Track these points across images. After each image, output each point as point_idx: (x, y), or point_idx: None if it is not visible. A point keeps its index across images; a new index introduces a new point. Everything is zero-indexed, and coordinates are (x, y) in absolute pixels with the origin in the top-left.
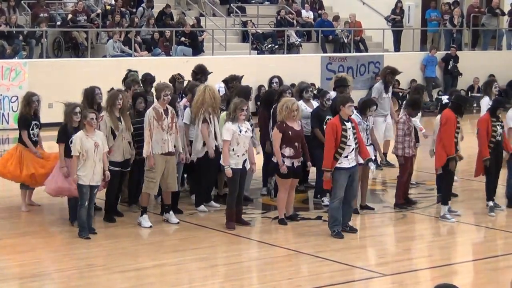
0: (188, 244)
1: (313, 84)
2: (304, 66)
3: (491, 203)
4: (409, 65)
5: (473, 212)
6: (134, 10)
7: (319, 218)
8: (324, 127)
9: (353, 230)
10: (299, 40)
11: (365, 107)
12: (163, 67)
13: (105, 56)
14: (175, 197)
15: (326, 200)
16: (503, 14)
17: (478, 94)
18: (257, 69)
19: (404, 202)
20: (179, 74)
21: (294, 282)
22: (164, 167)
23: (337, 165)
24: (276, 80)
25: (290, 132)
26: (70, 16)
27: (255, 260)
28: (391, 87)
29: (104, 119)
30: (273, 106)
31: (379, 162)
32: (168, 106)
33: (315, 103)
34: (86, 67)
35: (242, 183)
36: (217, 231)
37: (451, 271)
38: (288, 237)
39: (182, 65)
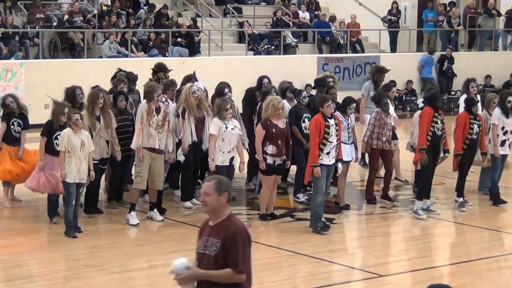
0: (184, 244)
1: (309, 85)
2: (301, 67)
3: (461, 199)
4: (405, 65)
5: (470, 213)
6: (131, 10)
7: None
8: (303, 124)
9: (326, 226)
10: (296, 40)
11: (344, 105)
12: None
13: (101, 57)
14: (159, 195)
15: (301, 197)
16: (499, 15)
17: None
18: (253, 70)
19: (373, 197)
20: (163, 73)
21: (291, 283)
22: (150, 163)
23: (319, 161)
24: (266, 80)
25: (273, 130)
26: (66, 17)
27: (252, 261)
28: (381, 85)
29: (84, 118)
30: (258, 105)
31: (358, 161)
32: (162, 105)
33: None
34: (83, 68)
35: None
36: None
37: (447, 272)
38: (284, 238)
39: (178, 66)
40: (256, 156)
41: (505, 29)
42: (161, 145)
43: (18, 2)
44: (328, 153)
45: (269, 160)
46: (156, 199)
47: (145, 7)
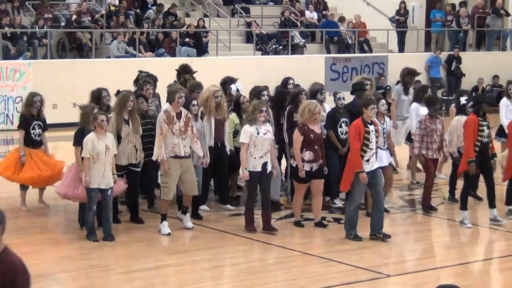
0: (191, 245)
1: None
2: (308, 66)
3: (510, 207)
4: (413, 65)
5: (476, 214)
6: (138, 11)
7: (323, 219)
8: (339, 129)
9: (386, 237)
10: (303, 40)
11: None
12: (167, 68)
13: (109, 57)
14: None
15: (338, 203)
16: (507, 14)
17: None
18: (261, 70)
19: (429, 205)
20: (190, 75)
21: (298, 283)
22: (179, 171)
23: (357, 170)
24: (292, 81)
25: (311, 135)
26: (74, 17)
27: (259, 261)
28: (411, 89)
29: (111, 120)
30: (287, 108)
31: (394, 166)
32: (183, 110)
33: (327, 106)
34: (90, 68)
35: (266, 186)
36: (219, 232)
37: (455, 272)
38: (292, 238)
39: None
40: (291, 162)
41: None
42: (186, 151)
43: (26, 2)
44: (367, 161)
45: (306, 166)
46: (189, 203)
47: (153, 7)
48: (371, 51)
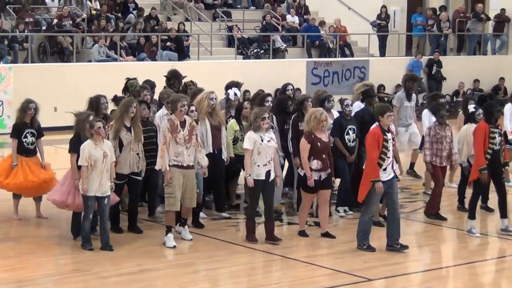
0: (173, 249)
1: (298, 89)
2: (290, 71)
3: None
4: (394, 70)
5: (459, 217)
6: (120, 15)
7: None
8: (346, 137)
9: (404, 248)
10: (285, 45)
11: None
12: (149, 72)
13: (90, 61)
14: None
15: (341, 211)
16: (488, 19)
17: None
18: (243, 74)
19: (435, 213)
20: (191, 81)
21: (279, 287)
22: (182, 181)
23: (373, 179)
24: (291, 87)
25: (318, 144)
26: (55, 20)
27: (241, 265)
28: (414, 94)
29: (112, 128)
30: (292, 117)
31: (397, 175)
32: (187, 118)
33: (336, 113)
34: (72, 72)
35: (270, 195)
36: (202, 236)
37: (436, 276)
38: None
39: (167, 70)
40: (299, 171)
41: (494, 33)
42: (190, 161)
43: (7, 6)
44: (385, 169)
45: (314, 175)
46: (188, 215)
47: (135, 11)
48: (352, 55)
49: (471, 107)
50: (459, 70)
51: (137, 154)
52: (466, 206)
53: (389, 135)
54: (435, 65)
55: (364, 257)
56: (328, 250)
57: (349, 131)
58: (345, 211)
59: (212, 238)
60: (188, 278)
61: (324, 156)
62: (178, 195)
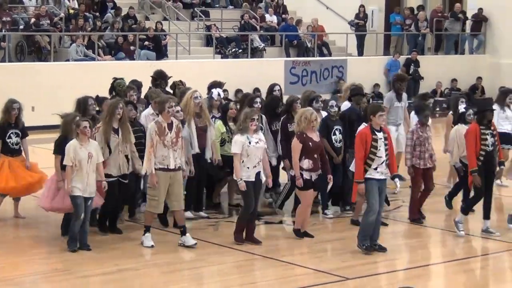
0: (150, 249)
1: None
2: (268, 70)
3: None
4: (372, 69)
5: (439, 216)
6: (98, 14)
7: (281, 222)
8: (333, 137)
9: (382, 249)
10: (263, 44)
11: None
12: (127, 71)
13: (68, 60)
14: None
15: (329, 213)
16: (465, 18)
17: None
18: (221, 74)
19: (418, 217)
20: (180, 81)
21: (258, 286)
22: (167, 184)
23: (367, 176)
24: (278, 87)
25: (310, 144)
26: (33, 20)
27: (219, 265)
28: (404, 94)
29: (100, 130)
30: (281, 119)
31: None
32: (174, 120)
33: (324, 114)
34: (49, 71)
35: (257, 196)
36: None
37: (413, 274)
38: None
39: (145, 69)
40: (290, 172)
41: (472, 33)
42: (177, 164)
43: None
44: (375, 169)
45: (306, 175)
46: (183, 222)
47: (112, 11)
48: (330, 55)
49: (461, 107)
50: (437, 70)
51: (126, 156)
52: (453, 205)
53: (379, 135)
54: (412, 64)
55: (342, 256)
56: (307, 249)
57: (336, 131)
58: (344, 209)
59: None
60: (166, 278)
61: (315, 156)
62: (162, 199)
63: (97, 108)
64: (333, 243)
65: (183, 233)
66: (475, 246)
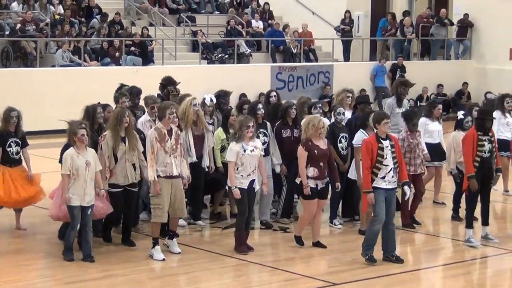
0: (138, 255)
1: (262, 94)
2: (254, 75)
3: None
4: (358, 75)
5: (429, 222)
6: (83, 19)
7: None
8: (339, 145)
9: (399, 260)
10: (249, 50)
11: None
12: (113, 77)
13: (54, 66)
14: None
15: (337, 223)
16: (451, 24)
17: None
18: (207, 79)
19: (410, 222)
20: (174, 88)
21: None
22: (170, 192)
23: (374, 185)
24: (274, 94)
25: (315, 151)
26: (18, 25)
27: (205, 270)
28: (405, 100)
29: (106, 139)
30: (276, 124)
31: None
32: (173, 126)
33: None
34: (35, 77)
35: (250, 204)
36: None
37: (401, 280)
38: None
39: (131, 74)
40: (296, 180)
41: (457, 38)
42: (178, 171)
43: None
44: (383, 178)
45: (311, 183)
46: (176, 227)
47: (98, 16)
48: (316, 60)
49: (460, 114)
50: (423, 75)
51: (133, 164)
52: (461, 215)
53: (385, 143)
54: (399, 70)
55: (329, 261)
56: (294, 254)
57: (342, 139)
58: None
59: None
60: (157, 283)
61: (321, 164)
62: (166, 207)
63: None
64: (320, 248)
65: (171, 237)
66: (464, 251)
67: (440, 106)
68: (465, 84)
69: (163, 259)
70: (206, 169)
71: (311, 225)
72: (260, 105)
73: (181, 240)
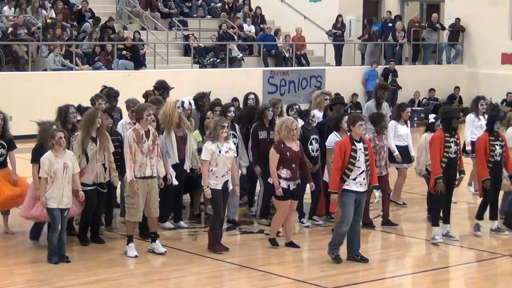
0: (128, 259)
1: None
2: (246, 80)
3: (477, 222)
4: (350, 79)
5: (416, 225)
6: (75, 23)
7: (261, 232)
8: (309, 147)
9: (364, 260)
10: (241, 54)
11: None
12: (105, 81)
13: (45, 70)
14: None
15: (305, 221)
16: (443, 28)
17: (419, 108)
18: (199, 83)
19: (370, 221)
20: (152, 90)
21: None
22: (145, 192)
23: (345, 187)
24: (252, 96)
25: (288, 153)
26: (10, 29)
27: (197, 275)
28: (384, 103)
29: (77, 138)
30: (253, 125)
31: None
32: (150, 127)
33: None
34: (27, 81)
35: (224, 204)
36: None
37: (392, 284)
38: (230, 251)
39: (123, 79)
40: (269, 180)
41: (449, 42)
42: (153, 171)
43: None
44: (354, 179)
45: (283, 184)
46: (156, 228)
47: (90, 20)
48: (308, 65)
49: (431, 117)
50: (415, 79)
51: (103, 164)
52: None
53: (359, 145)
54: (390, 74)
55: (320, 265)
56: (285, 258)
57: (312, 141)
58: (314, 220)
59: (170, 247)
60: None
61: (293, 165)
62: (141, 207)
63: (79, 118)
64: (312, 252)
65: (154, 239)
66: (455, 255)
67: (409, 109)
68: (457, 88)
69: (136, 256)
70: (188, 171)
71: (283, 226)
72: (232, 108)
73: (171, 244)
